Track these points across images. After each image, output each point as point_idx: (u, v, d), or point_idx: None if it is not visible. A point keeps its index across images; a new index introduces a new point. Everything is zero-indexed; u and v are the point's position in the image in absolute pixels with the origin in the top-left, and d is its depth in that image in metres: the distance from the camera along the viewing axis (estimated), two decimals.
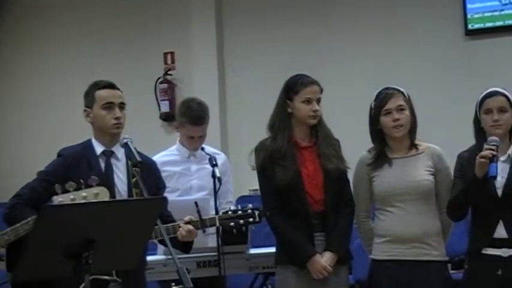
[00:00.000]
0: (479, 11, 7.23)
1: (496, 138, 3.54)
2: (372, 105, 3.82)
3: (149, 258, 3.87)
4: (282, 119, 3.87)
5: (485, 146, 3.51)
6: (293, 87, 3.87)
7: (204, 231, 3.73)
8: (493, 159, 3.45)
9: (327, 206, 3.82)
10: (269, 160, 3.83)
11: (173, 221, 3.61)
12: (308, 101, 3.84)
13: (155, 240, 3.55)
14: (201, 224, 3.63)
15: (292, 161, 3.81)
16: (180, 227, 3.54)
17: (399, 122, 3.73)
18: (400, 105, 3.75)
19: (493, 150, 3.47)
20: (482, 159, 3.47)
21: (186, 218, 3.58)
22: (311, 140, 3.91)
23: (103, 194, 3.06)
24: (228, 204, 4.38)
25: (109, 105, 3.58)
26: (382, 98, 3.77)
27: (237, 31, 7.84)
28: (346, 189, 3.89)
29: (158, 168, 3.84)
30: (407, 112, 3.76)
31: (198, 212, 3.63)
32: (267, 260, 4.24)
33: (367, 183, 3.84)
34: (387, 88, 3.82)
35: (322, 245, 3.83)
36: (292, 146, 3.85)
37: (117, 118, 3.58)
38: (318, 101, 3.86)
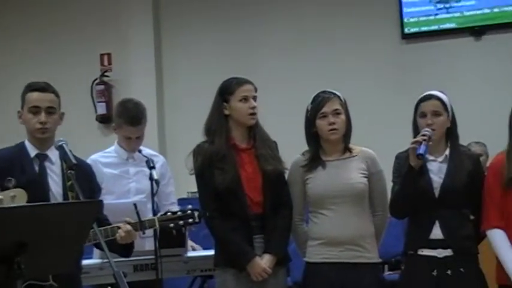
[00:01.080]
0: (415, 15, 7.34)
1: (429, 129, 3.60)
2: (309, 108, 3.83)
3: (85, 262, 3.80)
4: (218, 121, 3.85)
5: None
6: (228, 88, 3.86)
7: (144, 233, 3.69)
8: (422, 142, 3.52)
9: (266, 208, 3.81)
10: (208, 163, 3.80)
11: (109, 224, 3.55)
12: (245, 99, 3.83)
13: (91, 244, 3.49)
14: (140, 225, 3.59)
15: (231, 164, 3.79)
16: (119, 228, 3.49)
17: (335, 125, 3.75)
18: (336, 109, 3.77)
19: (425, 136, 3.53)
20: (413, 144, 3.53)
21: (126, 220, 3.54)
22: (249, 142, 3.90)
23: (20, 196, 2.99)
24: (173, 205, 4.35)
25: (35, 109, 3.51)
26: (319, 101, 3.78)
27: (175, 32, 7.80)
28: (284, 190, 3.89)
29: (93, 171, 3.78)
30: (342, 116, 3.78)
31: (137, 213, 3.59)
32: (205, 263, 4.22)
33: (301, 186, 3.84)
34: (324, 92, 3.84)
35: (261, 247, 3.81)
36: (230, 148, 3.83)
37: (41, 123, 3.50)
38: (254, 99, 3.86)
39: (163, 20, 7.85)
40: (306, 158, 3.84)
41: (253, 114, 3.84)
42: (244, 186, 3.80)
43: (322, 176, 3.78)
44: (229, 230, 3.79)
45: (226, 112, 3.85)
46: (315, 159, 3.80)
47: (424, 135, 3.56)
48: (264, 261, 3.77)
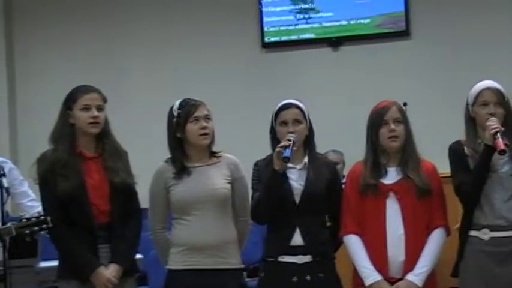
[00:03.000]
0: (275, 24, 7.45)
1: (294, 135, 3.62)
2: (176, 114, 3.77)
3: None
4: (62, 129, 3.75)
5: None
6: (72, 96, 3.78)
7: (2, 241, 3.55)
8: (288, 146, 3.54)
9: (113, 218, 3.73)
10: (50, 170, 3.68)
11: None
12: (86, 108, 3.73)
13: None
14: None
15: (74, 171, 3.69)
16: None
17: (206, 130, 3.74)
18: (207, 115, 3.77)
19: (290, 141, 3.56)
20: (279, 149, 3.55)
21: None
22: (97, 150, 3.80)
23: None
24: (32, 202, 4.22)
25: None
26: (190, 105, 3.76)
27: (29, 36, 7.55)
28: (133, 201, 3.82)
29: None
30: (211, 123, 3.78)
31: None
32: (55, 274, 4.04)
33: (164, 193, 3.78)
34: (190, 99, 3.81)
35: (107, 257, 3.72)
36: (75, 156, 3.72)
37: None
38: (99, 108, 3.76)
39: (15, 25, 7.59)
40: (169, 164, 3.78)
41: (95, 123, 3.74)
42: (90, 194, 3.70)
43: (187, 183, 3.74)
44: (72, 240, 3.67)
45: (72, 121, 3.75)
46: (179, 166, 3.75)
47: (289, 139, 3.58)
48: (109, 271, 3.68)
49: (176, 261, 3.74)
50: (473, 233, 3.64)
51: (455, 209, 3.75)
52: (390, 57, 7.25)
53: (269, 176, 3.64)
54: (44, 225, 3.58)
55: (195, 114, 3.74)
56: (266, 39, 7.46)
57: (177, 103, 3.82)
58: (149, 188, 3.84)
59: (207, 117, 3.77)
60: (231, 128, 6.83)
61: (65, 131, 3.74)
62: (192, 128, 3.73)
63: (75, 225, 3.68)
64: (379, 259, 3.61)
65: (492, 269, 3.59)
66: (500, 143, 3.46)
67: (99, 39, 7.55)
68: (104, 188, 3.73)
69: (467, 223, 3.67)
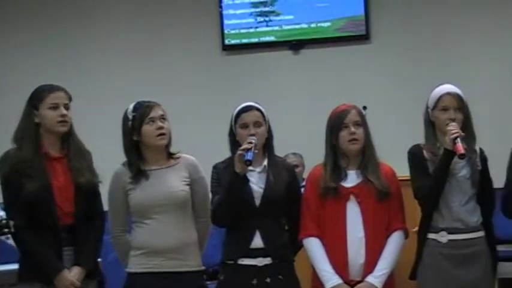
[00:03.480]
0: (235, 27, 7.44)
1: (255, 137, 3.63)
2: (130, 117, 3.74)
3: None
4: (27, 129, 3.69)
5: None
6: (37, 95, 3.72)
7: None
8: (250, 149, 3.54)
9: (77, 219, 3.69)
10: (14, 171, 3.62)
11: None
12: (55, 107, 3.69)
13: None
14: None
15: (40, 172, 3.63)
16: None
17: (163, 130, 3.71)
18: (163, 115, 3.74)
19: (252, 143, 3.57)
20: (241, 152, 3.55)
21: None
22: (62, 150, 3.75)
23: None
24: None
25: None
26: (145, 107, 3.73)
27: None
28: (97, 202, 3.78)
29: None
30: (167, 123, 3.75)
31: None
32: (14, 278, 3.98)
33: (122, 196, 3.75)
34: (144, 101, 3.78)
35: (70, 259, 3.68)
36: (41, 156, 3.67)
37: None
38: (66, 107, 3.72)
39: None
40: (127, 168, 3.75)
41: (63, 122, 3.69)
42: (56, 196, 3.65)
43: (146, 186, 3.71)
44: (36, 242, 3.62)
45: (37, 120, 3.69)
46: (136, 169, 3.72)
47: (250, 142, 3.58)
48: (73, 274, 3.64)
49: (136, 265, 3.72)
50: (431, 235, 3.68)
51: (414, 212, 3.78)
52: (350, 61, 7.29)
53: (230, 178, 3.63)
54: (6, 230, 3.53)
55: (150, 115, 3.71)
56: (226, 42, 7.45)
57: (131, 106, 3.79)
58: (108, 191, 3.81)
59: (163, 118, 3.74)
60: (191, 130, 6.82)
61: (30, 130, 3.68)
62: (148, 129, 3.71)
63: (39, 227, 3.62)
64: (339, 262, 3.62)
65: (450, 271, 3.63)
66: (460, 147, 3.49)
67: (61, 42, 7.48)
68: (69, 190, 3.69)
69: (426, 226, 3.70)
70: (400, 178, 3.80)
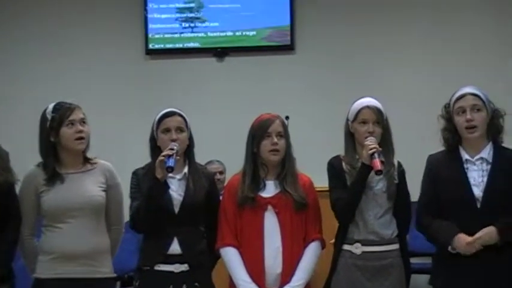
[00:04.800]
0: (160, 31, 7.39)
1: (177, 144, 3.62)
2: (49, 117, 3.68)
3: None
4: None
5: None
6: None
7: None
8: (172, 156, 3.54)
9: None
10: None
11: None
12: None
13: None
14: None
15: None
16: None
17: (82, 134, 3.67)
18: (83, 118, 3.70)
19: (173, 150, 3.56)
20: (162, 158, 3.54)
21: None
22: None
23: None
24: None
25: None
26: (66, 109, 3.68)
27: None
28: (14, 203, 3.68)
29: None
30: (87, 127, 3.71)
31: None
32: None
33: (34, 198, 3.68)
34: (65, 102, 3.74)
35: None
36: None
37: None
38: None
39: None
40: (41, 169, 3.68)
41: None
42: None
43: (60, 190, 3.65)
44: None
45: None
46: (52, 172, 3.65)
47: (172, 148, 3.57)
48: None
49: (45, 270, 3.64)
50: (346, 247, 3.71)
51: (332, 223, 3.82)
52: (274, 70, 7.31)
53: (150, 184, 3.61)
54: None
55: (71, 118, 3.67)
56: (150, 46, 7.39)
57: (50, 106, 3.73)
58: (18, 192, 3.71)
59: (83, 121, 3.70)
60: (111, 135, 6.74)
61: None
62: (67, 131, 3.66)
63: None
64: (256, 271, 3.63)
65: (363, 283, 3.66)
66: (378, 164, 3.53)
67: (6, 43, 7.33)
68: None
69: (341, 237, 3.74)
70: (319, 189, 3.82)
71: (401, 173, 3.76)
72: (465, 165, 3.56)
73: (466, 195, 3.49)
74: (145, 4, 7.37)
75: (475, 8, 7.13)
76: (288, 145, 3.76)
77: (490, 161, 3.54)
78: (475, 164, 3.55)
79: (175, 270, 3.66)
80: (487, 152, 3.56)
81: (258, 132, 3.73)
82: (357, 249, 3.69)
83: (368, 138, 3.64)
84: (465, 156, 3.56)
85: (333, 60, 7.24)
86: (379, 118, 3.72)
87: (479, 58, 7.03)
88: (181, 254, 3.66)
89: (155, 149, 3.73)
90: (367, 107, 3.73)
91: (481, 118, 3.52)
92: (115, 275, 3.78)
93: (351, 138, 3.78)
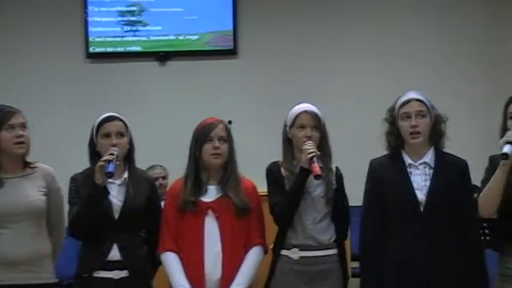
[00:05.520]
0: (101, 35, 7.31)
1: (117, 148, 3.60)
2: None
3: None
4: None
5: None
6: None
7: None
8: (112, 161, 3.51)
9: None
10: None
11: None
12: None
13: None
14: None
15: None
16: None
17: (22, 138, 3.62)
18: (23, 123, 3.64)
19: (113, 155, 3.53)
20: (102, 163, 3.50)
21: None
22: None
23: None
24: None
25: None
26: (6, 112, 3.64)
27: None
28: None
29: None
30: (27, 131, 3.66)
31: None
32: None
33: None
34: (5, 106, 3.68)
35: None
36: None
37: None
38: None
39: None
40: None
41: None
42: None
43: (0, 195, 3.58)
44: None
45: None
46: None
47: (112, 154, 3.55)
48: None
49: None
50: (284, 252, 3.71)
51: (275, 227, 3.81)
52: (217, 75, 7.30)
53: (89, 190, 3.57)
54: None
55: (10, 122, 3.61)
56: (91, 50, 7.30)
57: None
58: None
59: (23, 126, 3.66)
60: (51, 139, 6.63)
61: None
62: (6, 136, 3.61)
63: None
64: (196, 276, 3.62)
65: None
66: (317, 168, 3.54)
67: None
68: None
69: (280, 242, 3.74)
70: (262, 194, 3.82)
71: (340, 177, 3.78)
72: (408, 170, 3.58)
73: (409, 199, 3.52)
74: (86, 7, 7.28)
75: (417, 10, 7.25)
76: (231, 150, 3.75)
77: (433, 165, 3.57)
78: (418, 169, 3.58)
79: (115, 277, 3.62)
80: (429, 157, 3.59)
81: (201, 136, 3.72)
82: (295, 254, 3.69)
83: (306, 143, 3.65)
84: (408, 160, 3.60)
85: (275, 65, 7.26)
86: (317, 123, 3.73)
87: (419, 61, 7.13)
88: (121, 261, 3.63)
89: (94, 154, 3.70)
90: (305, 112, 3.74)
91: (424, 124, 3.56)
92: (57, 280, 3.73)
93: (289, 143, 3.78)
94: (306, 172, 3.60)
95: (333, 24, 7.28)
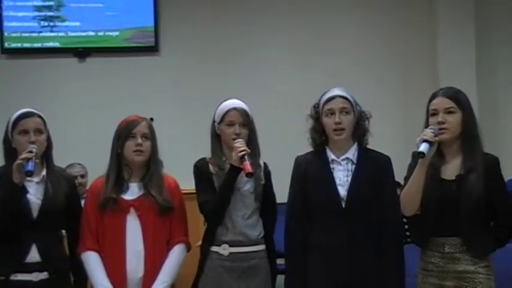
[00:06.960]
0: (17, 30, 7.13)
1: (35, 146, 3.50)
2: None
3: None
4: None
5: None
6: None
7: None
8: (31, 159, 3.41)
9: None
10: None
11: None
12: None
13: None
14: None
15: None
16: None
17: None
18: None
19: (31, 153, 3.43)
20: (20, 161, 3.40)
21: None
22: None
23: None
24: None
25: None
26: None
27: None
28: None
29: None
30: None
31: None
32: None
33: None
34: None
35: None
36: None
37: None
38: None
39: None
40: None
41: None
42: None
43: None
44: None
45: None
46: None
47: (30, 151, 3.45)
48: None
49: None
50: (214, 248, 3.69)
51: (198, 225, 3.76)
52: (138, 72, 7.22)
53: (6, 189, 3.46)
54: None
55: None
56: (6, 45, 7.11)
57: None
58: None
59: None
60: None
61: None
62: None
63: None
64: (117, 275, 3.57)
65: (230, 284, 3.65)
66: (248, 167, 3.53)
67: None
68: None
69: (209, 239, 3.71)
70: (185, 191, 3.79)
71: (268, 173, 3.78)
72: (331, 165, 3.59)
73: (331, 195, 3.53)
74: (1, 1, 7.07)
75: (340, 6, 7.30)
76: (154, 147, 3.71)
77: (355, 161, 3.58)
78: (340, 164, 3.60)
79: (34, 279, 3.52)
80: (352, 153, 3.61)
81: (123, 132, 3.67)
82: (225, 250, 3.67)
83: (237, 140, 3.63)
84: (331, 156, 3.60)
85: (197, 61, 7.22)
86: (246, 120, 3.72)
87: (344, 58, 7.20)
88: (40, 262, 3.53)
89: (10, 151, 3.59)
90: (234, 108, 3.71)
91: (348, 121, 3.58)
92: None
93: (217, 139, 3.75)
94: (236, 170, 3.59)
95: (256, 20, 7.28)
